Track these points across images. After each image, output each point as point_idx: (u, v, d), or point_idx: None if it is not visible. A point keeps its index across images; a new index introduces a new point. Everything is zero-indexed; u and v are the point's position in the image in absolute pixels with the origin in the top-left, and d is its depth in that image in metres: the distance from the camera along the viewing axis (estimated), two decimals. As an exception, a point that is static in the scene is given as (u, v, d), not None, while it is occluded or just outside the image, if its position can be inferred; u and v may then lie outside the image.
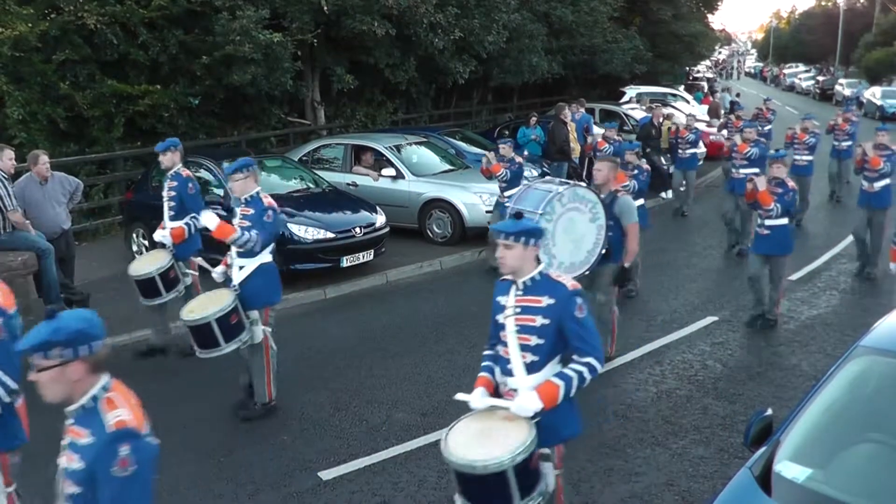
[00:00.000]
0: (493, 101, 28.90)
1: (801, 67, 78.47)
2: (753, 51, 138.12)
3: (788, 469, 4.26)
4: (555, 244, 7.88)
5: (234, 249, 7.67)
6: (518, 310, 4.69)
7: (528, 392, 4.57)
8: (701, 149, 19.12)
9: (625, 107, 24.63)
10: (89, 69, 14.92)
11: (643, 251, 11.15)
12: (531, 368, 4.69)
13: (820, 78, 62.83)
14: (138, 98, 15.04)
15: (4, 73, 13.95)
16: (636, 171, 11.53)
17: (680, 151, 17.68)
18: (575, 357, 4.63)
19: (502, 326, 4.77)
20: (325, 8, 16.35)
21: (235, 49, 14.90)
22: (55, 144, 14.51)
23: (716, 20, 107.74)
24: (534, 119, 18.98)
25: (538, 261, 4.76)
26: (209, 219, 7.50)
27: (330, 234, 11.70)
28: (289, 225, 11.57)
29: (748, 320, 10.32)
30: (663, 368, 8.96)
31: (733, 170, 13.76)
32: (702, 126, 21.58)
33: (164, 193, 9.63)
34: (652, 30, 33.32)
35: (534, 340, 4.65)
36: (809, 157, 16.26)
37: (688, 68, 46.72)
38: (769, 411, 4.79)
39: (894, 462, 4.25)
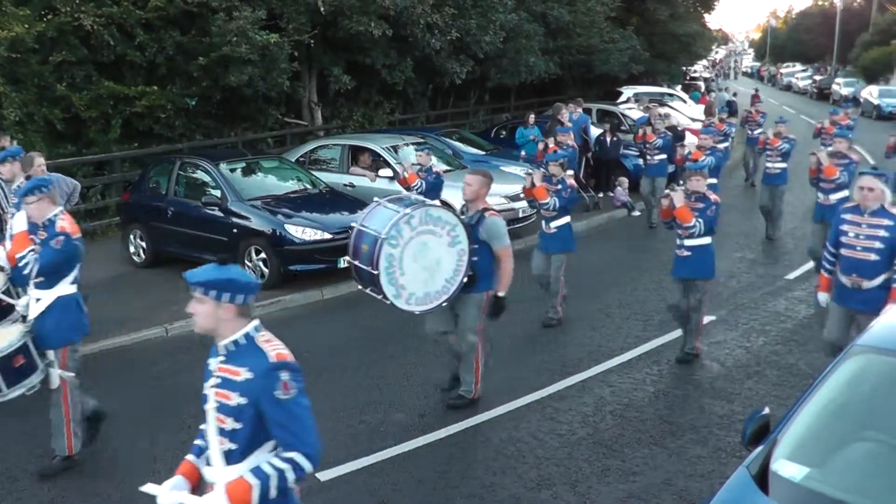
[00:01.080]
0: (491, 101, 28.90)
1: (799, 67, 78.56)
2: (750, 50, 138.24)
3: (786, 468, 4.27)
4: (403, 273, 7.19)
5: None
6: (218, 381, 3.83)
7: (218, 492, 3.71)
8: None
9: (622, 107, 24.63)
10: (86, 70, 14.90)
11: (582, 274, 11.66)
12: (229, 458, 3.76)
13: (817, 77, 62.89)
14: (135, 99, 15.03)
15: (1, 75, 13.96)
16: (559, 186, 10.45)
17: (648, 157, 16.20)
18: (279, 449, 3.71)
19: (205, 398, 3.92)
20: (322, 8, 16.35)
21: (232, 50, 14.89)
22: (52, 146, 14.51)
23: (713, 20, 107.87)
24: (531, 118, 18.96)
25: (248, 318, 3.81)
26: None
27: (327, 235, 11.69)
28: (286, 226, 11.58)
29: (679, 356, 9.21)
30: (661, 368, 8.97)
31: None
32: (698, 126, 21.58)
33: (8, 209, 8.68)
34: (649, 30, 33.36)
35: (229, 423, 3.73)
36: (782, 165, 14.47)
37: (685, 68, 46.75)
38: (766, 410, 4.79)
39: (891, 460, 4.26)
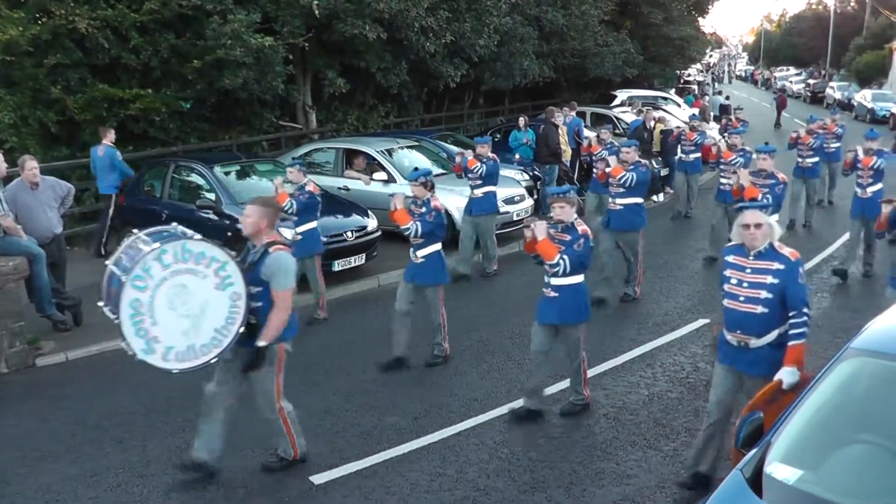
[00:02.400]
0: (485, 104, 28.90)
1: (792, 70, 78.72)
2: (744, 54, 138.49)
3: (779, 470, 4.27)
4: (155, 322, 5.92)
5: None
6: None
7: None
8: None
9: (616, 110, 24.67)
10: (80, 73, 14.88)
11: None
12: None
13: (811, 81, 63.04)
14: (130, 102, 14.99)
15: (-5, 78, 13.95)
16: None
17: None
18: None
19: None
20: (317, 12, 16.34)
21: (227, 53, 14.88)
22: (46, 149, 14.49)
23: (706, 23, 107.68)
24: (522, 121, 18.96)
25: None
26: None
27: (322, 238, 11.67)
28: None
29: (564, 407, 7.98)
30: (655, 371, 8.98)
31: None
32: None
33: None
34: (643, 33, 33.40)
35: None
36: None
37: (679, 72, 46.81)
38: (760, 413, 4.80)
39: (885, 463, 4.26)
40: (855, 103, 44.45)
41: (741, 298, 5.99)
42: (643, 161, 11.53)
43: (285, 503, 6.38)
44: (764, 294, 5.87)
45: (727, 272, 6.10)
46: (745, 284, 5.97)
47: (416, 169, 10.06)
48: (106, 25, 14.55)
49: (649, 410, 8.00)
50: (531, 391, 7.79)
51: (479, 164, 12.64)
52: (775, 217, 9.07)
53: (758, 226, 5.93)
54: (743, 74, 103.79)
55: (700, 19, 43.15)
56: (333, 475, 6.75)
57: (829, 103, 46.06)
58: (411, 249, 9.10)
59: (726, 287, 6.09)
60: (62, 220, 10.76)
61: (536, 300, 10.56)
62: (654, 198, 18.96)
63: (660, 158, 19.52)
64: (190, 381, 8.73)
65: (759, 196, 9.22)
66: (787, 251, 5.93)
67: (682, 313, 11.00)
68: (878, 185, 12.13)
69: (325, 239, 11.64)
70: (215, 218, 11.97)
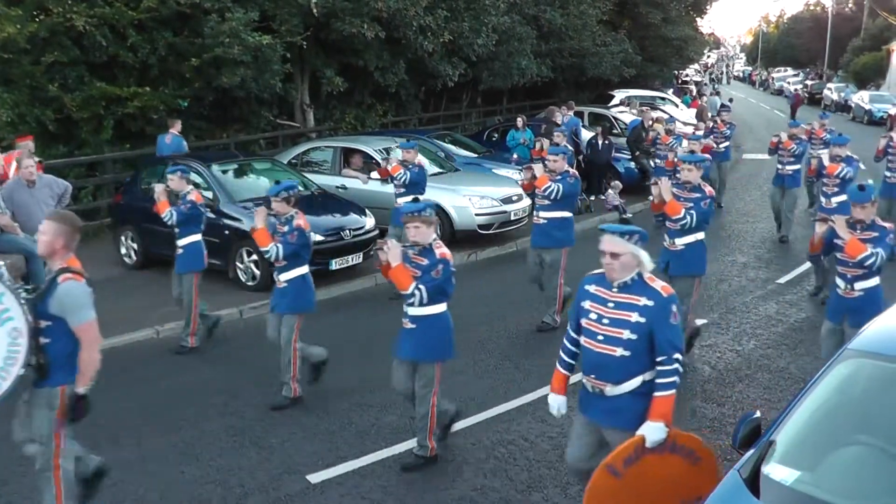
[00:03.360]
0: (483, 103, 28.92)
1: (790, 71, 78.78)
2: (742, 55, 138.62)
3: (777, 471, 4.27)
4: None
5: None
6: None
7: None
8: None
9: (613, 110, 24.68)
10: (78, 71, 14.87)
11: (575, 277, 11.15)
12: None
13: (808, 82, 63.13)
14: (127, 100, 14.99)
15: (-7, 75, 13.93)
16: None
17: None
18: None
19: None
20: (315, 10, 16.35)
21: (225, 51, 14.88)
22: (44, 147, 14.45)
23: (704, 24, 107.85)
24: (521, 121, 18.98)
25: None
26: None
27: (319, 237, 11.65)
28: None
29: (405, 464, 6.95)
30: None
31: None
32: (688, 129, 21.68)
33: None
34: (641, 33, 33.45)
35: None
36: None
37: (676, 72, 46.85)
38: (758, 414, 4.80)
39: (882, 465, 4.26)
40: (852, 105, 44.50)
41: (599, 337, 5.09)
42: (572, 171, 10.39)
43: (282, 501, 6.37)
44: (626, 334, 4.98)
45: (585, 304, 5.22)
46: (605, 321, 5.08)
47: (276, 182, 8.78)
48: (104, 23, 14.55)
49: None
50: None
51: (403, 171, 11.52)
52: (701, 234, 8.78)
53: (614, 255, 4.99)
54: (741, 75, 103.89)
55: (698, 20, 43.25)
56: (330, 474, 6.74)
57: (827, 105, 46.10)
58: (274, 273, 8.23)
59: (583, 322, 5.22)
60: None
61: (534, 299, 10.59)
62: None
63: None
64: (188, 380, 8.74)
65: (682, 212, 8.45)
66: (658, 285, 5.05)
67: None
68: (844, 197, 11.12)
69: (321, 237, 11.64)
70: (212, 216, 11.95)
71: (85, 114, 14.83)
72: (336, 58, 18.90)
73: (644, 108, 21.02)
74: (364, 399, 8.26)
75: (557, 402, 5.57)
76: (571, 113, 20.00)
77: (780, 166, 14.68)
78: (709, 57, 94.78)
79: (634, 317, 4.97)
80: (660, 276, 7.64)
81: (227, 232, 11.81)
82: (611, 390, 5.09)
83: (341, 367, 9.09)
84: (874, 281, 7.28)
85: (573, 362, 5.51)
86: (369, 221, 12.71)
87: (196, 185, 12.42)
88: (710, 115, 30.14)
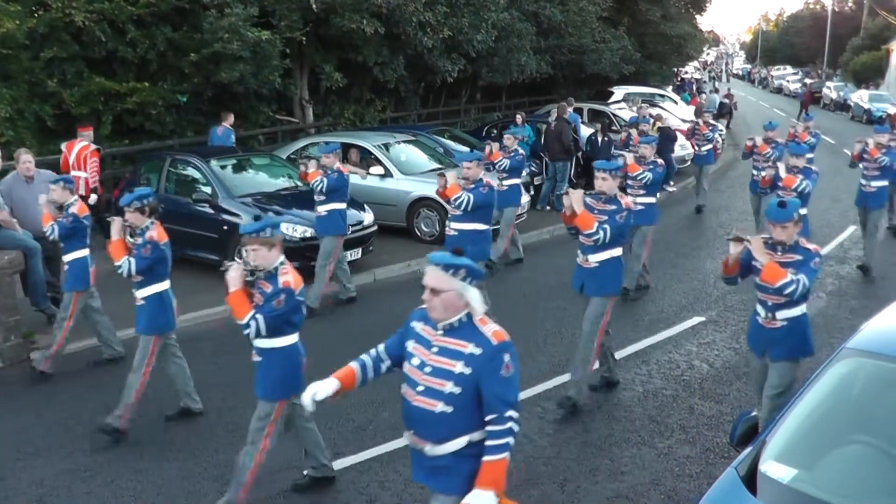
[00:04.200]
0: (482, 100, 28.89)
1: (790, 70, 78.81)
2: (741, 52, 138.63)
3: (774, 469, 4.28)
4: None
5: None
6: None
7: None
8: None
9: (613, 107, 24.68)
10: (77, 66, 14.85)
11: (571, 274, 11.14)
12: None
13: (808, 81, 63.15)
14: (126, 96, 14.97)
15: (-9, 71, 13.90)
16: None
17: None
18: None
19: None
20: (314, 6, 16.33)
21: (224, 46, 14.85)
22: (42, 142, 14.44)
23: (704, 21, 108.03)
24: (520, 118, 18.99)
25: None
26: None
27: (309, 233, 11.68)
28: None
29: None
30: (650, 368, 8.99)
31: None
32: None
33: None
34: (640, 30, 33.38)
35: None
36: (647, 200, 11.56)
37: (676, 69, 46.84)
38: (755, 412, 4.82)
39: (879, 463, 4.27)
40: (851, 104, 44.53)
41: (419, 388, 4.24)
42: (487, 179, 9.81)
43: (280, 497, 6.37)
44: (449, 387, 4.14)
45: (410, 345, 4.42)
46: (427, 369, 4.24)
47: (130, 191, 7.78)
48: (103, 19, 14.51)
49: (644, 407, 8.01)
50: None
51: (320, 178, 10.68)
52: (617, 251, 7.82)
53: (435, 291, 4.15)
54: (740, 73, 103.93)
55: (698, 17, 43.15)
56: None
57: (826, 103, 46.11)
58: (133, 288, 7.51)
59: (405, 367, 4.42)
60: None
61: (532, 296, 10.60)
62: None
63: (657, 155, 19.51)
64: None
65: (594, 226, 7.54)
66: (490, 330, 4.13)
67: (678, 311, 11.01)
68: (803, 211, 10.36)
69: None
70: (211, 212, 11.96)
71: (84, 109, 14.80)
72: (335, 53, 18.87)
73: (643, 105, 21.03)
74: (361, 395, 8.25)
75: (316, 388, 4.69)
76: (570, 109, 20.00)
77: (755, 172, 14.23)
78: (708, 55, 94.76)
79: (459, 367, 4.12)
80: (579, 298, 7.82)
81: (225, 227, 11.81)
82: (430, 450, 4.29)
83: (338, 363, 9.05)
84: (799, 310, 6.32)
85: (367, 360, 4.86)
86: (368, 217, 12.71)
87: (195, 181, 12.49)
88: (705, 112, 30.22)
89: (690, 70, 60.51)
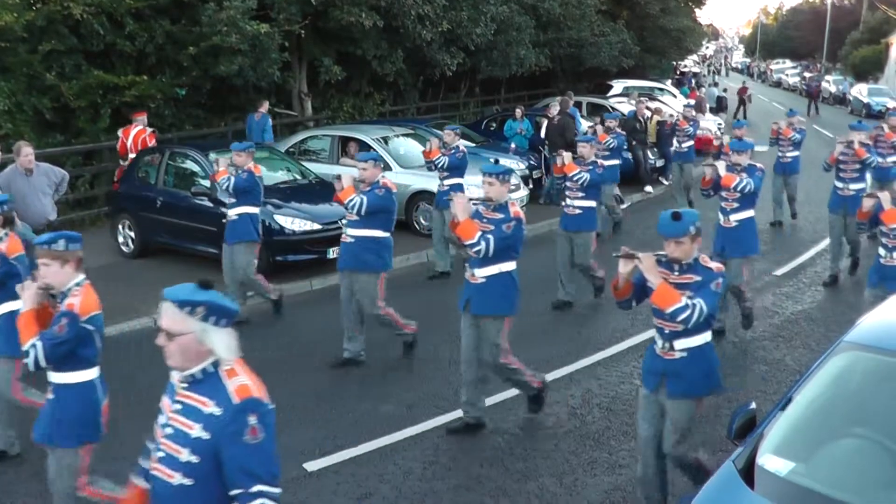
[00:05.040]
0: (481, 93, 28.90)
1: (789, 63, 78.76)
2: (741, 46, 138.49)
3: (771, 462, 4.29)
4: None
5: None
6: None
7: None
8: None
9: (612, 100, 24.67)
10: (75, 59, 14.84)
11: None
12: None
13: (807, 74, 63.13)
14: (125, 89, 14.97)
15: (-10, 63, 13.90)
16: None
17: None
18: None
19: None
20: (313, -1, 16.34)
21: (222, 40, 14.84)
22: (41, 135, 14.44)
23: (703, 15, 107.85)
24: (520, 112, 18.99)
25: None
26: None
27: (317, 226, 11.69)
28: (275, 216, 11.57)
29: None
30: (648, 362, 8.98)
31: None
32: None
33: None
34: (639, 24, 33.38)
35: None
36: (584, 204, 10.97)
37: (675, 63, 46.83)
38: (753, 405, 4.82)
39: (876, 457, 4.28)
40: (851, 98, 44.52)
41: (160, 454, 3.49)
42: (385, 181, 8.73)
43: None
44: (185, 454, 3.33)
45: (163, 400, 3.64)
46: (167, 430, 3.48)
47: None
48: (101, 12, 14.51)
49: (642, 401, 8.02)
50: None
51: (226, 177, 10.01)
52: (508, 265, 7.11)
53: (170, 334, 3.32)
54: (739, 67, 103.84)
55: (697, 11, 43.17)
56: (327, 462, 6.76)
57: (825, 97, 46.10)
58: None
59: (157, 427, 3.61)
60: (56, 206, 10.73)
61: (529, 290, 10.59)
62: (647, 189, 18.98)
63: (654, 149, 19.55)
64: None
65: (475, 236, 6.78)
66: (234, 384, 3.36)
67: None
68: (746, 214, 9.48)
69: (319, 226, 11.65)
70: (210, 205, 11.95)
71: (82, 102, 14.80)
72: (334, 46, 18.86)
73: (642, 99, 21.02)
74: (361, 388, 8.28)
75: None
76: (570, 103, 20.00)
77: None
78: (707, 48, 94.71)
79: (196, 430, 3.32)
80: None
81: (224, 221, 11.79)
82: None
83: (338, 354, 9.10)
84: (701, 338, 5.48)
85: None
86: (367, 210, 12.69)
87: (194, 174, 12.48)
88: (707, 105, 30.21)
89: (689, 64, 60.48)
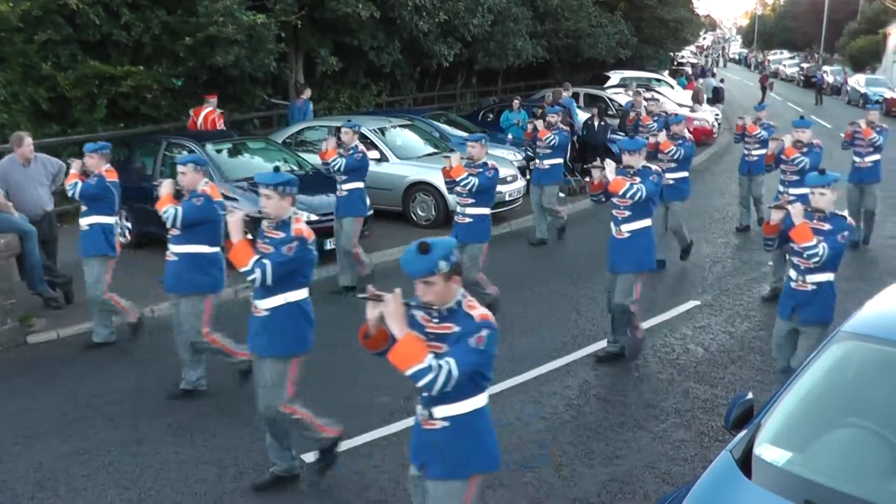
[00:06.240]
0: (478, 84, 28.87)
1: (786, 54, 78.69)
2: (738, 37, 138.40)
3: (769, 452, 4.30)
4: None
5: None
6: None
7: None
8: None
9: (609, 91, 24.65)
10: (71, 49, 14.79)
11: (567, 258, 11.14)
12: None
13: (804, 65, 63.08)
14: (121, 79, 14.91)
15: (-15, 53, 13.84)
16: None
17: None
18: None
19: None
20: (310, -11, 16.29)
21: (219, 30, 14.79)
22: (37, 125, 14.39)
23: (701, 5, 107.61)
24: (517, 103, 18.98)
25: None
26: None
27: (313, 217, 11.65)
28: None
29: None
30: (645, 352, 9.00)
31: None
32: (685, 111, 21.66)
33: None
34: (637, 14, 33.37)
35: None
36: (475, 212, 9.81)
37: (672, 53, 46.80)
38: (750, 395, 4.83)
39: (873, 446, 4.29)
40: (848, 88, 44.53)
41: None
42: (205, 189, 7.79)
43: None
44: None
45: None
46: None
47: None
48: (97, 2, 14.45)
49: (639, 392, 8.04)
50: None
51: (73, 182, 8.97)
52: (294, 295, 6.20)
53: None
54: (736, 57, 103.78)
55: (694, 1, 43.15)
56: (324, 454, 6.76)
57: (822, 87, 46.04)
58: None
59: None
60: (52, 197, 10.71)
61: (527, 281, 10.62)
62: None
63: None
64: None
65: (249, 263, 5.82)
66: None
67: (673, 295, 11.03)
68: (640, 224, 8.50)
69: (316, 217, 11.62)
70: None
71: (78, 92, 14.75)
72: (330, 37, 18.82)
73: (638, 91, 21.00)
74: (357, 379, 8.28)
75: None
76: (566, 94, 20.00)
77: (669, 175, 11.84)
78: (704, 39, 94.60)
79: None
80: (578, 280, 7.29)
81: (221, 212, 11.77)
82: None
83: (335, 347, 9.10)
84: (467, 405, 4.40)
85: None
86: (364, 201, 12.68)
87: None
88: (704, 96, 30.19)
89: (687, 54, 60.43)
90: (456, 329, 4.21)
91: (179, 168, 7.69)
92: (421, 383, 4.06)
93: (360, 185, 11.02)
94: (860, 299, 5.33)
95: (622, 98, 22.38)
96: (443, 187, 14.01)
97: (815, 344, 5.88)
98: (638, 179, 8.33)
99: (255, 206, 10.41)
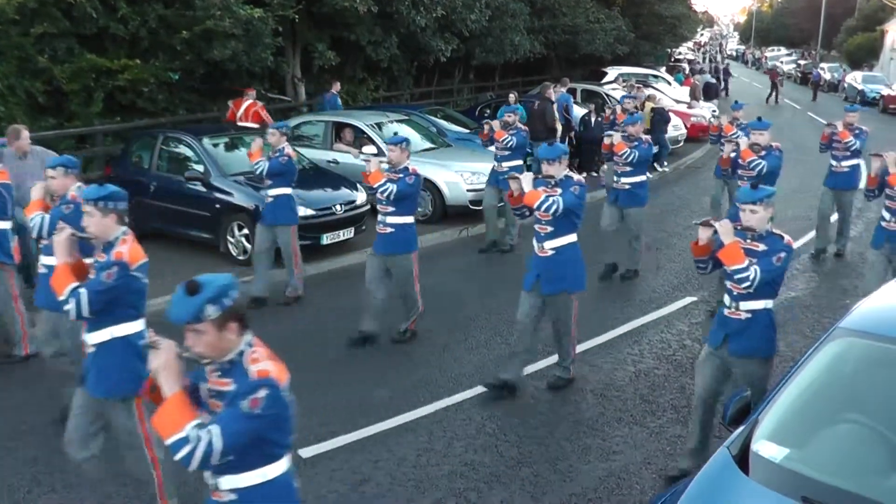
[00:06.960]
0: (475, 79, 28.86)
1: (783, 51, 78.74)
2: (735, 34, 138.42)
3: (766, 448, 4.30)
4: None
5: None
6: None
7: None
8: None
9: (606, 87, 24.64)
10: (68, 43, 14.74)
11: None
12: None
13: (801, 62, 63.13)
14: (118, 73, 14.87)
15: (-19, 46, 13.79)
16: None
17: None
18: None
19: None
20: (307, -17, 16.26)
21: (216, 24, 14.75)
22: (33, 118, 14.34)
23: (698, 2, 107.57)
24: (513, 97, 18.93)
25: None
26: None
27: (310, 212, 11.65)
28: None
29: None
30: (641, 348, 9.01)
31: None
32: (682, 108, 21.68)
33: None
34: (635, 11, 33.38)
35: None
36: (397, 221, 8.96)
37: (670, 50, 46.81)
38: (748, 391, 4.83)
39: (871, 443, 4.29)
40: (846, 85, 44.58)
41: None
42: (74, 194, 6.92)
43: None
44: None
45: None
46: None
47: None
48: (94, -6, 14.40)
49: (636, 387, 8.04)
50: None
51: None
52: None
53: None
54: (734, 54, 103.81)
55: (692, -3, 43.15)
56: (321, 449, 6.76)
57: (820, 84, 46.10)
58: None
59: None
60: (49, 190, 10.66)
61: (523, 276, 10.58)
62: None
63: (649, 136, 19.51)
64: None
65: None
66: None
67: (670, 291, 11.03)
68: (565, 240, 7.64)
69: (313, 212, 11.61)
70: (203, 190, 11.92)
71: (75, 86, 14.71)
72: (328, 32, 18.80)
73: (638, 86, 21.00)
74: (355, 374, 8.28)
75: None
76: (563, 89, 19.96)
77: (615, 180, 11.88)
78: (702, 35, 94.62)
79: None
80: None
81: (217, 206, 11.77)
82: None
83: (332, 342, 9.10)
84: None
85: None
86: (360, 196, 12.66)
87: (187, 159, 12.45)
88: (700, 92, 30.20)
89: (684, 51, 60.43)
90: (232, 387, 3.58)
91: (48, 172, 6.97)
92: (177, 457, 3.40)
93: (288, 190, 10.15)
94: (858, 297, 5.32)
95: (619, 94, 22.36)
96: (441, 183, 14.08)
97: (753, 382, 5.56)
98: (558, 191, 7.42)
99: (252, 200, 10.36)
